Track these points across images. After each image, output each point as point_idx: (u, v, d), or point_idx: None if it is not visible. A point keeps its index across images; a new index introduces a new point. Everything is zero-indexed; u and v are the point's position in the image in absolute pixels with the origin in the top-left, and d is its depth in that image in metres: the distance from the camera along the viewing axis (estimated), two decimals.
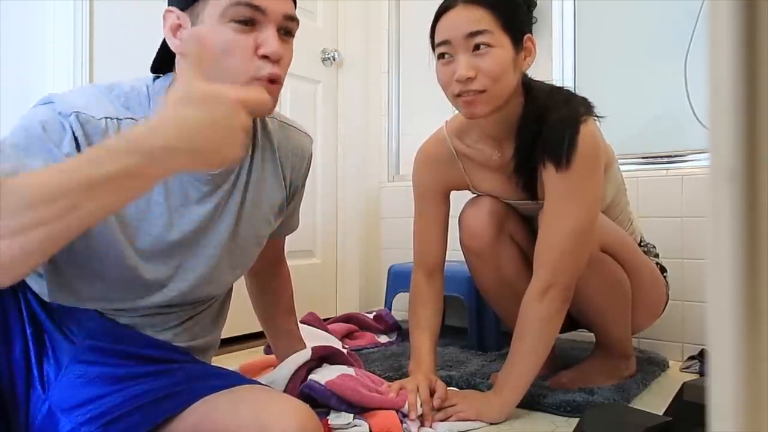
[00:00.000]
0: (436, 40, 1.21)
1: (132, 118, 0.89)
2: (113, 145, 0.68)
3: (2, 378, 0.87)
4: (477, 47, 1.15)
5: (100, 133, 0.85)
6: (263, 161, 1.04)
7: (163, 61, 0.97)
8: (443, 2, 1.22)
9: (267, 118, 1.06)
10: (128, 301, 0.95)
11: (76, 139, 0.83)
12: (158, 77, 0.96)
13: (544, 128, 1.21)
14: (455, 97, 1.20)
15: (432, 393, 1.23)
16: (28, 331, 0.91)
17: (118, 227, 0.89)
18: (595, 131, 1.22)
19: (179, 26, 0.90)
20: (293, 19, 0.91)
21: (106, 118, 0.87)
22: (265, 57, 0.86)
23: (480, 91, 1.16)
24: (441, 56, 1.20)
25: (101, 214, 0.69)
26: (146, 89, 0.94)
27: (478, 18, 1.16)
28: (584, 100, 1.25)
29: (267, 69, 0.86)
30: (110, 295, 0.94)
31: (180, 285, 0.97)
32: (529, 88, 1.26)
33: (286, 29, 0.90)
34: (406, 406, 1.18)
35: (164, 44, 0.94)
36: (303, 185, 1.17)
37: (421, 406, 1.20)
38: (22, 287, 0.93)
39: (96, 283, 0.91)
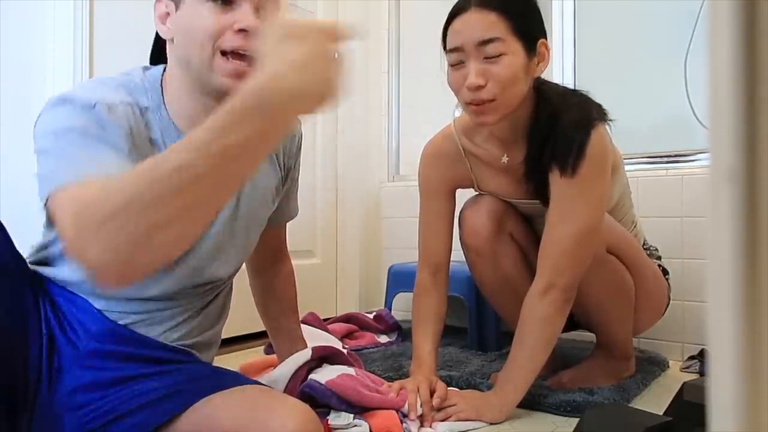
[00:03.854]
0: (448, 46, 1.20)
1: (139, 107, 0.93)
2: (237, 107, 0.63)
3: (17, 379, 0.87)
4: (488, 54, 1.15)
5: (124, 117, 0.87)
6: None
7: (160, 52, 1.00)
8: (456, 4, 1.20)
9: None
10: (141, 288, 0.96)
11: (104, 120, 0.83)
12: (147, 68, 0.99)
13: (556, 131, 1.21)
14: (466, 104, 1.20)
15: (432, 393, 1.24)
16: (44, 335, 0.92)
17: None
18: (604, 137, 1.22)
19: (167, 14, 0.93)
20: None
21: (122, 102, 0.89)
22: (242, 31, 0.87)
23: (490, 99, 1.16)
24: (452, 62, 1.20)
25: (238, 183, 0.69)
26: (140, 80, 0.97)
27: (490, 24, 1.14)
28: (598, 105, 1.24)
29: (235, 42, 0.88)
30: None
31: (187, 267, 0.99)
32: (541, 90, 1.26)
33: (261, 5, 0.91)
34: (406, 406, 1.18)
35: (158, 36, 0.97)
36: (296, 166, 1.19)
37: (421, 406, 1.20)
38: (42, 292, 0.95)
39: None
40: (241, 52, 0.88)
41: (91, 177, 0.72)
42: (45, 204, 0.77)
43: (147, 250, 0.64)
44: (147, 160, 0.66)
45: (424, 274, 1.41)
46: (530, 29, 1.18)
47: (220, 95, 0.88)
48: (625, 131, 1.63)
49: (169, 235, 0.64)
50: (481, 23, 1.15)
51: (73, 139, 0.79)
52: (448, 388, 1.29)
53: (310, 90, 0.63)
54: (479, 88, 1.15)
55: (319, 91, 0.64)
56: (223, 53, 0.88)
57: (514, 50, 1.16)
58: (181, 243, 0.68)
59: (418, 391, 1.22)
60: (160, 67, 0.99)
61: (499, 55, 1.14)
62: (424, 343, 1.35)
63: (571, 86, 1.36)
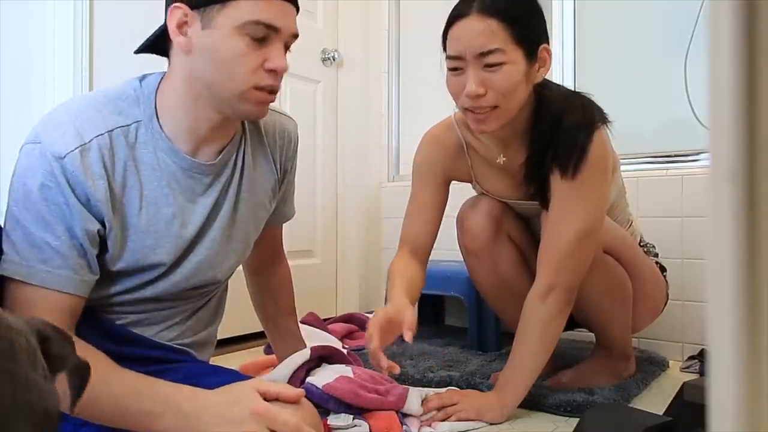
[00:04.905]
0: (447, 51, 1.18)
1: (124, 125, 0.92)
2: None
3: None
4: (489, 65, 1.13)
5: (97, 159, 0.88)
6: (253, 147, 1.08)
7: (153, 48, 0.99)
8: (457, 7, 1.18)
9: None
10: (137, 289, 0.97)
11: (70, 178, 0.86)
12: (144, 78, 0.98)
13: (559, 133, 1.20)
14: (465, 110, 1.19)
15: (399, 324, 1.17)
16: None
17: (143, 237, 0.94)
18: (606, 140, 1.22)
19: (185, 23, 0.91)
20: (296, 36, 0.96)
21: (97, 136, 0.89)
22: (271, 71, 0.91)
23: (491, 107, 1.15)
24: (451, 68, 1.18)
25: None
26: (134, 92, 0.95)
27: (491, 33, 1.12)
28: (599, 107, 1.23)
29: (269, 81, 0.92)
30: (122, 281, 0.96)
31: (184, 271, 1.00)
32: (542, 92, 1.24)
33: (288, 45, 0.95)
34: (406, 406, 1.18)
35: (160, 32, 0.95)
36: (292, 169, 1.19)
37: (422, 406, 1.20)
38: None
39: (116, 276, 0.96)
40: (273, 90, 0.93)
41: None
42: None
43: None
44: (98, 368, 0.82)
45: (403, 251, 1.36)
46: (532, 35, 1.17)
47: (236, 116, 0.96)
48: (625, 131, 1.64)
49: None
50: (481, 31, 1.13)
51: (31, 221, 0.85)
52: (448, 388, 1.29)
53: None
54: (479, 96, 1.14)
55: None
56: (257, 87, 0.92)
57: (514, 59, 1.14)
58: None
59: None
60: (157, 75, 0.98)
61: (499, 65, 1.13)
62: (400, 295, 1.23)
63: (571, 87, 1.36)
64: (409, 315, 1.16)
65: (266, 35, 0.90)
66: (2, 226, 0.88)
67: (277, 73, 0.92)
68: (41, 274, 0.84)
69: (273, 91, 0.94)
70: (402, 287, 1.25)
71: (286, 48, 0.95)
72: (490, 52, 1.12)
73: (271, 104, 1.16)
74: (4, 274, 0.84)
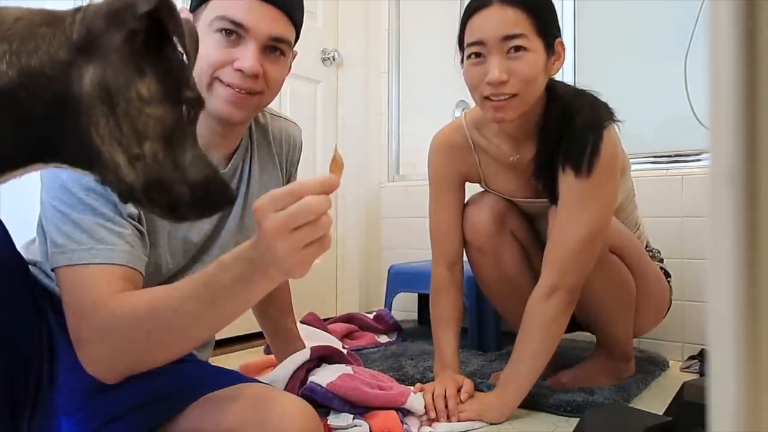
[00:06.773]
0: (468, 39, 1.19)
1: None
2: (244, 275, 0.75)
3: (18, 381, 0.87)
4: (511, 50, 1.14)
5: None
6: (261, 154, 1.09)
7: None
8: (474, 1, 1.19)
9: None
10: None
11: None
12: None
13: (568, 132, 1.21)
14: (483, 99, 1.19)
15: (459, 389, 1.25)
16: (44, 336, 0.92)
17: (160, 235, 0.94)
18: (615, 139, 1.22)
19: None
20: (282, 40, 0.93)
21: None
22: (239, 70, 0.90)
23: (512, 95, 1.16)
24: (471, 56, 1.18)
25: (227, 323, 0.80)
26: None
27: (515, 20, 1.14)
28: (605, 105, 1.25)
29: (233, 79, 0.91)
30: None
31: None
32: (552, 89, 1.26)
33: (274, 48, 0.93)
34: (408, 402, 1.18)
35: None
36: (295, 174, 1.20)
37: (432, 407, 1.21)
38: (41, 292, 0.94)
39: None
40: (236, 89, 0.91)
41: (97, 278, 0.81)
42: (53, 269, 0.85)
43: (138, 367, 0.83)
44: (152, 298, 0.79)
45: (441, 269, 1.40)
46: (550, 28, 1.19)
47: (221, 120, 0.94)
48: (625, 131, 1.64)
49: (160, 358, 0.82)
50: (505, 18, 1.14)
51: (78, 210, 0.83)
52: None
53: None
54: (501, 83, 1.15)
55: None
56: (220, 81, 0.91)
57: (535, 48, 1.16)
58: (171, 359, 0.83)
59: (446, 394, 1.22)
60: None
61: (523, 52, 1.14)
62: (447, 342, 1.35)
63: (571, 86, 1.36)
64: (468, 385, 1.27)
65: (236, 32, 0.90)
66: (42, 224, 0.87)
67: (244, 74, 0.90)
68: (104, 252, 0.82)
69: (245, 92, 0.91)
70: (452, 336, 1.36)
71: (277, 52, 0.94)
72: (515, 36, 1.14)
73: (274, 108, 1.17)
74: (61, 266, 0.83)
